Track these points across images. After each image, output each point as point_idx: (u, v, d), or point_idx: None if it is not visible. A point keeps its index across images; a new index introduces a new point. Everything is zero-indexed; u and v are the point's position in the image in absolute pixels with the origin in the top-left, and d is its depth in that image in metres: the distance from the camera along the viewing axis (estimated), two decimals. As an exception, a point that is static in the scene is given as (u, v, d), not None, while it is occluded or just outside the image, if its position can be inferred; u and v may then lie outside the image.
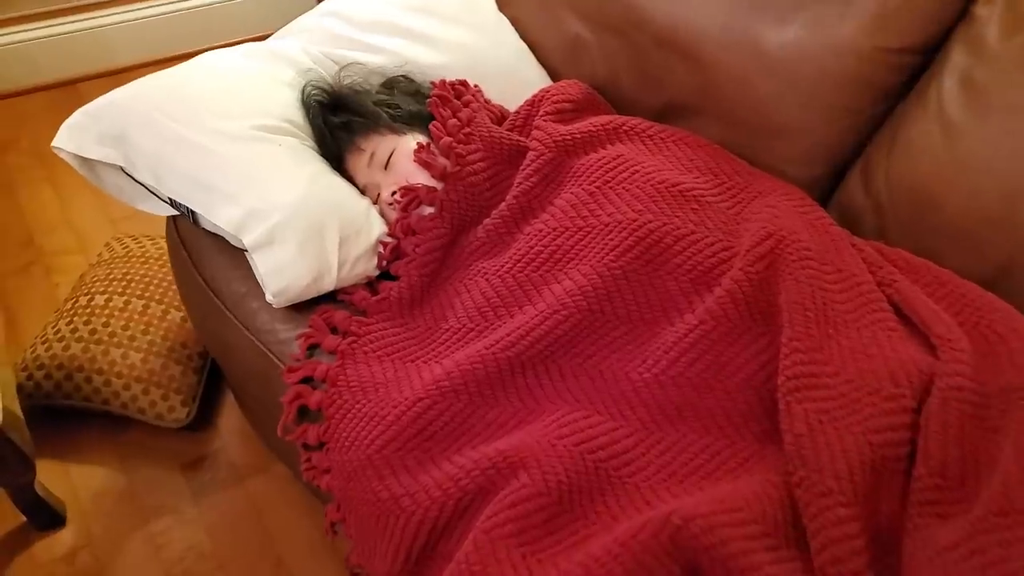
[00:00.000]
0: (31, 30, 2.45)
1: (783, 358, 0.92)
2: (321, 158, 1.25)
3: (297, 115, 1.27)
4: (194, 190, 1.16)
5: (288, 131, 1.24)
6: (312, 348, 1.14)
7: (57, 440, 1.58)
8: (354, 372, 1.07)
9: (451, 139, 1.22)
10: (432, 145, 1.23)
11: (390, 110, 1.26)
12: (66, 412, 1.58)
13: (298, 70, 1.34)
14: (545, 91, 1.33)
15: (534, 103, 1.32)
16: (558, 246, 1.09)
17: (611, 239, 1.06)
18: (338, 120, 1.26)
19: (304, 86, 1.30)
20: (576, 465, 0.89)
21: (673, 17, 1.32)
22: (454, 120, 1.25)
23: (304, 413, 1.09)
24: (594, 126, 1.25)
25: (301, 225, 1.12)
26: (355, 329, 1.14)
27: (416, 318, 1.16)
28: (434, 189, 1.20)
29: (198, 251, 1.28)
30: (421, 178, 1.21)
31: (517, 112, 1.31)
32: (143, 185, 1.21)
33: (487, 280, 1.11)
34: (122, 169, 1.21)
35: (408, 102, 1.28)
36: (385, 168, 1.23)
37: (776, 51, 1.22)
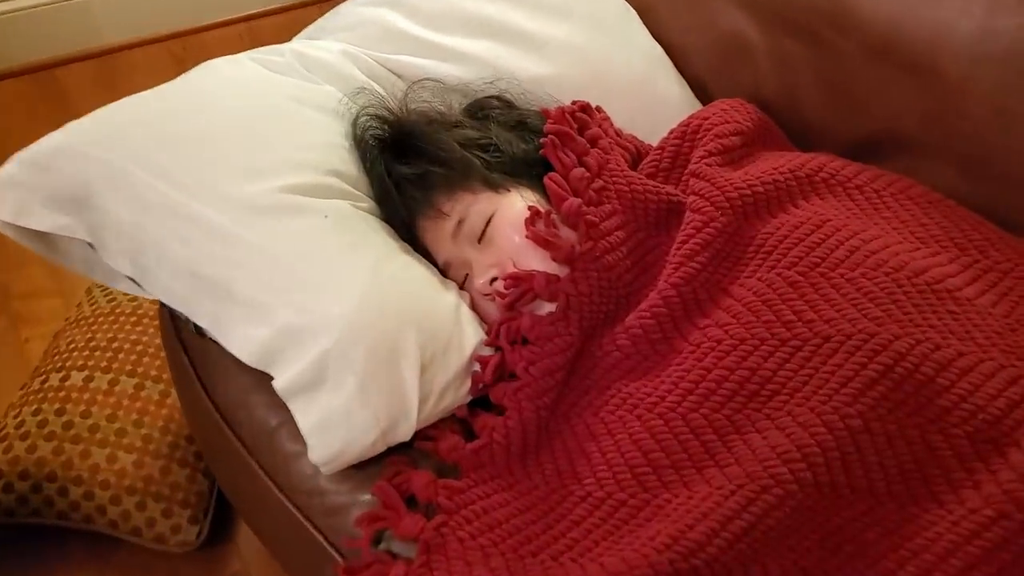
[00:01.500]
0: None
1: None
2: (381, 226, 0.84)
3: (346, 162, 0.86)
4: (194, 293, 0.77)
5: (334, 190, 0.82)
6: (381, 532, 0.74)
7: (26, 564, 1.21)
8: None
9: (579, 201, 0.81)
10: (551, 210, 0.82)
11: (485, 155, 0.84)
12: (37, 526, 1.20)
13: (345, 88, 0.92)
14: (701, 117, 0.91)
15: (686, 135, 0.90)
16: (751, 371, 0.71)
17: (839, 366, 0.69)
18: (409, 171, 0.84)
19: (356, 115, 0.88)
20: None
21: (900, 17, 0.89)
22: (580, 170, 0.83)
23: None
24: (779, 173, 0.85)
25: (363, 351, 0.73)
26: (444, 501, 0.74)
27: (532, 474, 0.76)
28: (555, 277, 0.79)
29: (207, 359, 0.88)
30: (534, 259, 0.80)
31: (661, 149, 0.90)
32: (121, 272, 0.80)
33: (641, 421, 0.73)
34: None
35: (509, 140, 0.86)
36: (479, 241, 0.83)
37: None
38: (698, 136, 0.89)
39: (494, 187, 0.83)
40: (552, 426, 0.77)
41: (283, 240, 0.76)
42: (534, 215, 0.80)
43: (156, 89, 0.87)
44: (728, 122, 0.90)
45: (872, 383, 0.67)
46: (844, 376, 0.68)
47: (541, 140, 0.84)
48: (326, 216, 0.78)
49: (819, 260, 0.76)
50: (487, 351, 0.79)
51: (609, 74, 1.01)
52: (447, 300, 0.79)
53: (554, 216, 0.81)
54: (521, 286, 0.79)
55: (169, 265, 0.77)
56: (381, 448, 0.76)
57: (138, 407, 1.21)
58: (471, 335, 0.79)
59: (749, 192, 0.82)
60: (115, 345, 1.27)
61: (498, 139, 0.85)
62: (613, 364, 0.78)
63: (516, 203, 0.82)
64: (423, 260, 0.83)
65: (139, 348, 1.27)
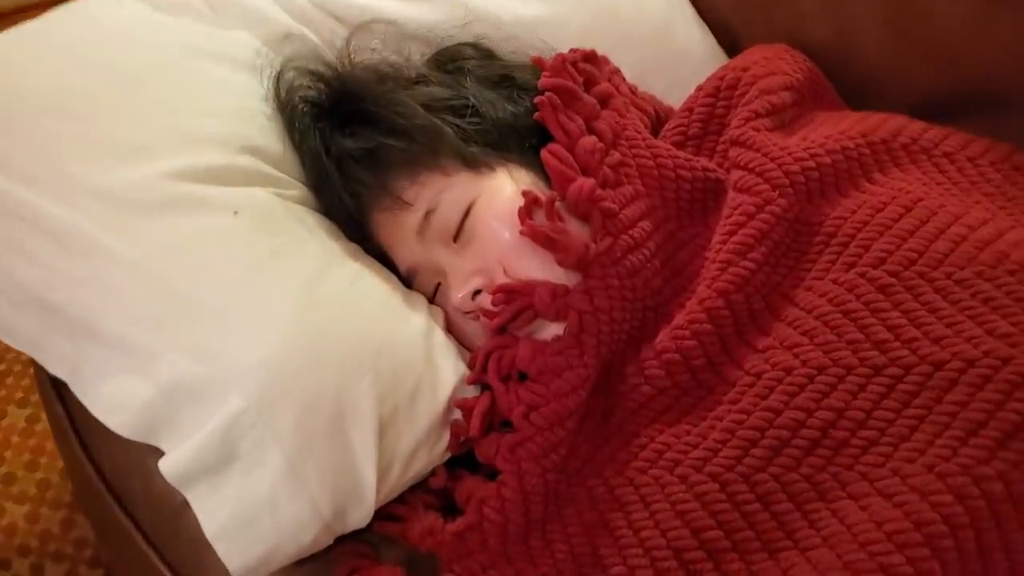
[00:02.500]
0: None
1: None
2: (317, 221, 0.62)
3: (266, 133, 0.63)
4: (44, 330, 0.57)
5: (249, 173, 0.60)
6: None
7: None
8: None
9: (592, 182, 0.59)
10: (552, 195, 0.60)
11: (460, 120, 0.62)
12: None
13: (264, 35, 0.69)
14: (739, 68, 0.71)
15: (720, 92, 0.70)
16: (837, 412, 0.54)
17: (962, 404, 0.53)
18: (355, 145, 0.62)
19: (280, 70, 0.66)
20: None
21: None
22: (590, 139, 0.62)
23: None
24: (847, 138, 0.65)
25: (292, 413, 0.52)
26: (421, 610, 0.55)
27: (539, 562, 0.57)
28: (563, 288, 0.58)
29: (91, 423, 0.64)
30: (532, 262, 0.59)
31: (688, 111, 0.71)
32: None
33: (686, 484, 0.55)
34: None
35: (491, 100, 0.64)
36: (455, 239, 0.61)
37: None
38: (736, 92, 0.69)
39: (473, 165, 0.61)
40: (563, 492, 0.58)
41: (172, 251, 0.55)
42: (530, 202, 0.58)
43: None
44: (775, 73, 0.70)
45: (1016, 429, 0.50)
46: (972, 419, 0.51)
47: (535, 100, 0.62)
48: (236, 212, 0.56)
49: (915, 255, 0.57)
50: (470, 391, 0.59)
51: (616, 18, 0.80)
52: (414, 325, 0.58)
53: (558, 204, 0.59)
54: (516, 302, 0.58)
55: (9, 291, 0.55)
56: (325, 543, 0.55)
57: (32, 445, 1.02)
58: (448, 371, 0.58)
59: (813, 164, 0.62)
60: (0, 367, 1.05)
61: (476, 99, 0.63)
62: (642, 403, 0.59)
63: (504, 187, 0.61)
64: (378, 265, 0.62)
65: (32, 370, 1.04)
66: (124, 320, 0.53)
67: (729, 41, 0.86)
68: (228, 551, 0.51)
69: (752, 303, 0.59)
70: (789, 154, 0.62)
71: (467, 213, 0.60)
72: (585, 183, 0.59)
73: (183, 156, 0.57)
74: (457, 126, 0.61)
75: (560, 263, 0.58)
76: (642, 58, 0.77)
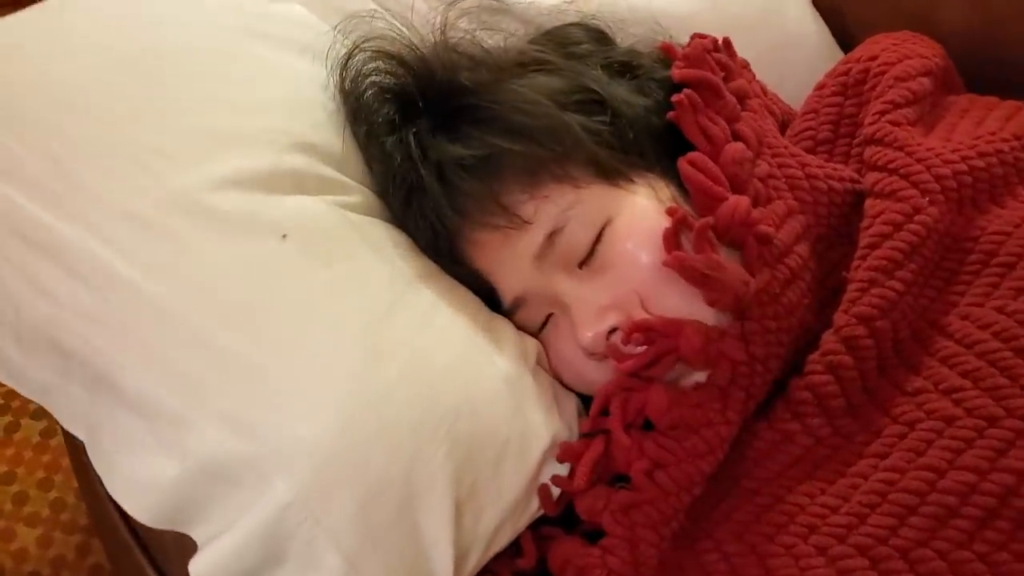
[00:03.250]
0: None
1: None
2: (384, 235, 0.51)
3: (323, 128, 0.52)
4: (59, 379, 0.47)
5: (303, 178, 0.50)
6: None
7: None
8: None
9: (747, 202, 0.49)
10: (709, 220, 0.49)
11: (588, 120, 0.51)
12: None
13: (329, 12, 0.58)
14: (866, 59, 0.60)
15: (848, 88, 0.60)
16: (1016, 475, 0.44)
17: None
18: (465, 151, 0.50)
19: (349, 53, 0.54)
20: None
21: None
22: (737, 146, 0.51)
23: None
24: (1002, 140, 0.55)
25: (353, 502, 0.42)
26: None
27: None
28: (716, 331, 0.48)
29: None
30: (675, 297, 0.49)
31: (813, 112, 0.60)
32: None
33: (825, 556, 0.45)
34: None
35: (623, 95, 0.52)
36: (582, 265, 0.50)
37: None
38: (867, 87, 0.59)
39: (610, 176, 0.50)
40: (672, 560, 0.48)
41: (206, 289, 0.44)
42: (677, 225, 0.48)
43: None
44: (909, 57, 0.59)
45: None
46: None
47: (673, 97, 0.51)
48: (284, 236, 0.46)
49: None
50: (579, 450, 0.49)
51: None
52: (500, 369, 0.48)
53: (710, 234, 0.48)
54: (659, 344, 0.47)
55: (16, 327, 0.46)
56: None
57: (46, 461, 0.93)
58: (540, 426, 0.48)
59: (966, 168, 0.53)
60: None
61: (605, 92, 0.51)
62: (767, 454, 0.49)
63: (646, 204, 0.50)
64: (456, 287, 0.51)
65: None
66: (148, 375, 0.43)
67: (842, 28, 0.75)
68: None
69: (898, 332, 0.49)
70: (936, 155, 0.52)
71: (600, 235, 0.49)
72: (740, 203, 0.48)
73: (221, 160, 0.47)
74: (586, 126, 0.50)
75: (712, 303, 0.47)
76: (750, 45, 0.62)
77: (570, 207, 0.49)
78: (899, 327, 0.49)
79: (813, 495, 0.47)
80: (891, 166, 0.52)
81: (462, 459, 0.44)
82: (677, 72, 0.52)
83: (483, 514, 0.45)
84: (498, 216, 0.49)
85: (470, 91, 0.51)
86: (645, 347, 0.47)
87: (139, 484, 0.44)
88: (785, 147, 0.53)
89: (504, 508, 0.46)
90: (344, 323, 0.44)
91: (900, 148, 0.53)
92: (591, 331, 0.48)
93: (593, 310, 0.48)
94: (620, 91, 0.52)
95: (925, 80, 0.58)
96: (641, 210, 0.49)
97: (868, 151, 0.54)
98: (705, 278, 0.46)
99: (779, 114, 0.59)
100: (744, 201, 0.48)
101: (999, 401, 0.45)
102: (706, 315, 0.48)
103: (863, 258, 0.50)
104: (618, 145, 0.50)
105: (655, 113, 0.51)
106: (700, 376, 0.48)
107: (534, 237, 0.49)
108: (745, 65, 0.59)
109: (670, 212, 0.48)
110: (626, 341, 0.47)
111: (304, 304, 0.44)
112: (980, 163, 0.53)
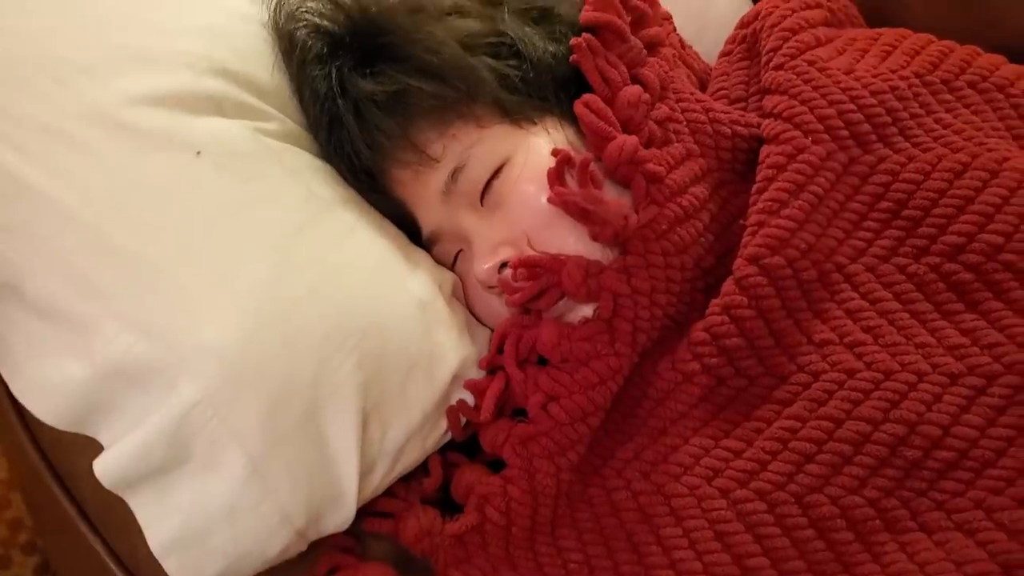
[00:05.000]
0: None
1: None
2: (301, 163, 0.51)
3: (243, 55, 0.52)
4: None
5: (221, 101, 0.49)
6: None
7: None
8: None
9: (635, 141, 0.49)
10: (588, 156, 0.49)
11: (497, 62, 0.51)
12: None
13: None
14: (753, 15, 0.61)
15: (747, 40, 0.60)
16: (908, 426, 0.45)
17: None
18: (377, 87, 0.50)
19: None
20: None
21: None
22: (633, 88, 0.51)
23: None
24: (901, 79, 0.54)
25: (259, 404, 0.43)
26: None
27: (546, 567, 0.49)
28: (596, 265, 0.49)
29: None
30: (565, 233, 0.50)
31: (724, 74, 0.60)
32: None
33: (728, 499, 0.46)
34: None
35: (532, 39, 0.53)
36: (482, 202, 0.51)
37: None
38: (757, 44, 0.59)
39: (513, 117, 0.51)
40: (575, 491, 0.50)
41: (118, 198, 0.44)
42: (561, 164, 0.48)
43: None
44: (795, 11, 0.58)
45: None
46: None
47: (572, 41, 0.51)
48: (199, 153, 0.45)
49: (1000, 240, 0.47)
50: (473, 374, 0.50)
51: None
52: (411, 293, 0.48)
53: (593, 166, 0.49)
54: (542, 278, 0.48)
55: None
56: (298, 551, 0.45)
57: None
58: (449, 350, 0.49)
59: (853, 108, 0.51)
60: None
61: (516, 36, 0.52)
62: (667, 392, 0.50)
63: (543, 144, 0.51)
64: (379, 218, 0.52)
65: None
66: (55, 281, 0.42)
67: None
68: (180, 568, 0.41)
69: (801, 272, 0.48)
70: (823, 95, 0.52)
71: (497, 173, 0.50)
72: (627, 141, 0.49)
73: (137, 77, 0.46)
74: (495, 69, 0.50)
75: (595, 237, 0.48)
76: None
77: (472, 145, 0.50)
78: (799, 267, 0.48)
79: (717, 439, 0.47)
80: (776, 110, 0.53)
81: (370, 373, 0.44)
82: (583, 15, 0.52)
83: (389, 428, 0.46)
84: (409, 153, 0.50)
85: (389, 30, 0.50)
86: (529, 281, 0.48)
87: (46, 387, 0.43)
88: (692, 94, 0.53)
89: (411, 424, 0.47)
90: (255, 235, 0.44)
91: (785, 92, 0.53)
92: (483, 264, 0.49)
93: (488, 245, 0.50)
94: (532, 36, 0.52)
95: (808, 13, 0.58)
96: (536, 150, 0.50)
97: (765, 100, 0.54)
98: (585, 212, 0.47)
99: (698, 70, 0.60)
100: (632, 140, 0.48)
101: (895, 356, 0.46)
102: (592, 251, 0.49)
103: (754, 203, 0.50)
104: (524, 89, 0.51)
105: (567, 57, 0.51)
106: (587, 310, 0.49)
107: (440, 174, 0.50)
108: (667, 17, 0.59)
109: (554, 152, 0.48)
110: (515, 279, 0.48)
111: (215, 216, 0.44)
112: (871, 101, 0.52)
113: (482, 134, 0.50)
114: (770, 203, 0.49)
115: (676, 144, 0.51)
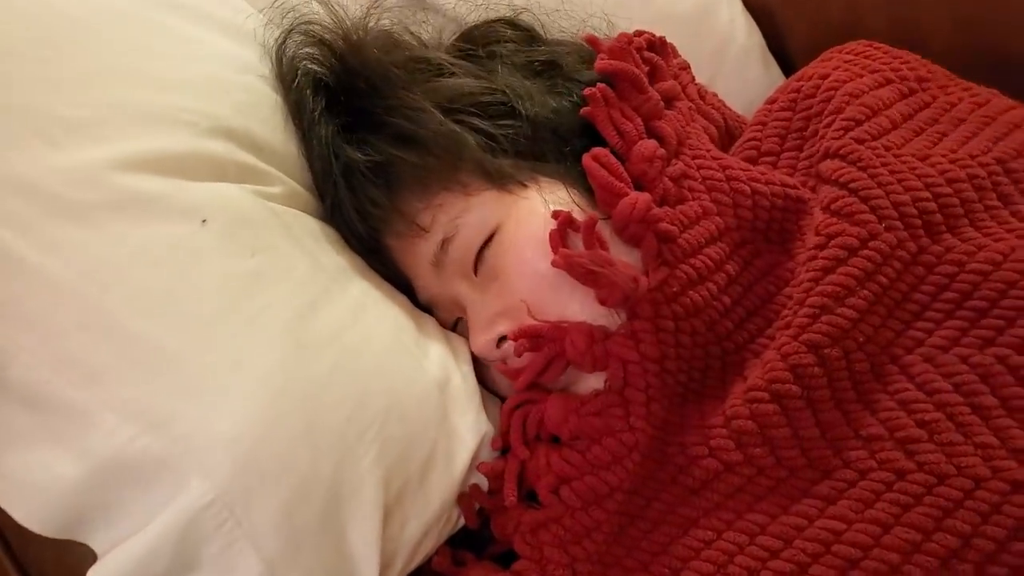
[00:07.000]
0: None
1: None
2: (312, 230, 0.48)
3: (247, 112, 0.48)
4: None
5: (223, 164, 0.45)
6: None
7: None
8: None
9: (647, 198, 0.46)
10: (594, 216, 0.46)
11: (488, 123, 0.49)
12: None
13: None
14: (818, 76, 0.55)
15: (798, 103, 0.55)
16: (961, 539, 0.40)
17: None
18: (361, 156, 0.48)
19: (285, 33, 0.51)
20: None
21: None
22: (648, 143, 0.48)
23: None
24: (981, 167, 0.50)
25: (276, 505, 0.38)
26: None
27: None
28: (601, 331, 0.45)
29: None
30: (568, 300, 0.46)
31: (760, 124, 0.56)
32: None
33: None
34: None
35: (530, 95, 0.50)
36: (475, 272, 0.48)
37: None
38: (817, 100, 0.54)
39: (499, 182, 0.48)
40: None
41: (117, 273, 0.39)
42: (563, 225, 0.45)
43: None
44: (861, 75, 0.54)
45: None
46: None
47: (585, 91, 0.48)
48: (204, 221, 0.41)
49: None
50: (496, 463, 0.47)
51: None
52: (429, 372, 0.45)
53: (599, 225, 0.46)
54: (544, 349, 0.45)
55: None
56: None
57: None
58: (467, 432, 0.46)
59: (928, 196, 0.47)
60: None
61: (511, 93, 0.49)
62: (704, 482, 0.45)
63: (537, 208, 0.48)
64: (385, 286, 0.49)
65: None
66: (46, 365, 0.37)
67: (775, 33, 0.73)
68: None
69: (854, 364, 0.44)
70: (900, 181, 0.48)
71: (488, 242, 0.47)
72: (640, 199, 0.45)
73: (135, 138, 0.42)
74: (483, 131, 0.48)
75: (602, 301, 0.45)
76: (681, 43, 0.60)
77: (459, 215, 0.47)
78: (854, 358, 0.45)
79: (753, 533, 0.43)
80: (852, 185, 0.48)
81: (391, 464, 0.41)
82: (598, 64, 0.49)
83: (408, 522, 0.43)
84: (399, 223, 0.48)
85: (366, 93, 0.48)
86: (534, 356, 0.45)
87: (29, 487, 0.38)
88: (708, 151, 0.50)
89: (430, 516, 0.44)
90: (268, 313, 0.40)
91: (863, 168, 0.49)
92: (481, 339, 0.46)
93: (484, 318, 0.47)
94: (531, 91, 0.49)
95: (882, 91, 0.54)
96: (527, 215, 0.47)
97: (827, 164, 0.50)
98: (592, 274, 0.44)
99: (719, 119, 0.56)
100: (645, 197, 0.45)
101: (951, 458, 0.42)
102: (597, 316, 0.45)
103: (815, 280, 0.46)
104: (515, 149, 0.48)
105: (572, 110, 0.49)
106: (596, 382, 0.46)
107: (431, 244, 0.48)
108: (684, 67, 0.56)
109: (555, 215, 0.45)
110: (517, 351, 0.45)
111: (224, 292, 0.40)
112: (947, 190, 0.48)
113: (469, 202, 0.47)
114: (837, 288, 0.45)
115: (691, 202, 0.48)
